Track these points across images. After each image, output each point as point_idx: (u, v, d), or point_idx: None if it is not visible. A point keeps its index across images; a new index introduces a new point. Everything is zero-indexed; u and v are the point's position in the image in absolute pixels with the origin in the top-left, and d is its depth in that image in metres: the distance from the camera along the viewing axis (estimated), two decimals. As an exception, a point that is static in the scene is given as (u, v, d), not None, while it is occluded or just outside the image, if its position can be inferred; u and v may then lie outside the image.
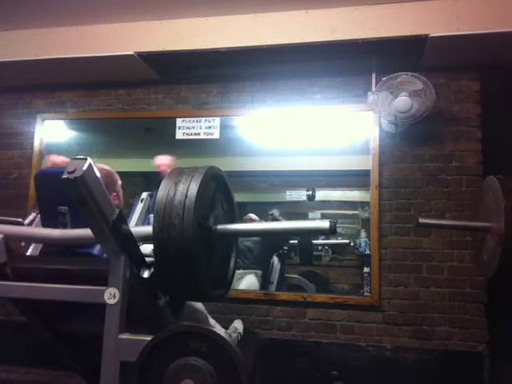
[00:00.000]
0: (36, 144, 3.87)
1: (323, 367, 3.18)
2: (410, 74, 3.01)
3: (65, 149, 4.08)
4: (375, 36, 2.93)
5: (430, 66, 3.17)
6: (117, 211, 1.69)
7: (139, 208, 2.49)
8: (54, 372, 3.33)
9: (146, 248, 1.86)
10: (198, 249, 1.57)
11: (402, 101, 3.00)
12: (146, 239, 1.87)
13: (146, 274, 1.84)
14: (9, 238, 1.96)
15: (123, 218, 1.73)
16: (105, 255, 1.86)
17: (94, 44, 3.31)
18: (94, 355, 1.77)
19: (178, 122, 3.61)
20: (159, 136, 4.11)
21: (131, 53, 3.25)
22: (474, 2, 2.85)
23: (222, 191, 1.98)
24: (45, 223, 2.12)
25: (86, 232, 1.73)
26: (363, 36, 2.94)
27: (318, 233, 2.57)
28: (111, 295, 1.74)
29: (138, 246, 1.87)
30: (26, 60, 3.42)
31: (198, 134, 3.58)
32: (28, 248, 2.21)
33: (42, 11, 3.20)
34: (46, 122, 3.92)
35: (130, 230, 1.80)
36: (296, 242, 4.18)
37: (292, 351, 3.24)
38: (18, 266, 1.92)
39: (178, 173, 1.73)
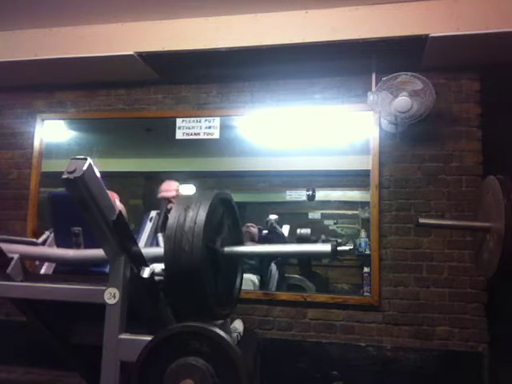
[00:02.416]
0: (36, 144, 3.87)
1: (323, 367, 3.18)
2: (409, 74, 3.01)
3: (65, 149, 4.09)
4: (375, 36, 2.93)
5: (430, 66, 3.17)
6: (117, 211, 1.69)
7: (148, 227, 2.56)
8: (53, 372, 3.33)
9: (157, 267, 1.92)
10: (206, 272, 1.66)
11: (402, 101, 3.00)
12: (156, 260, 1.95)
13: (146, 274, 1.84)
14: (25, 258, 2.04)
15: (123, 219, 1.73)
16: None
17: (94, 44, 3.31)
18: (94, 355, 1.78)
19: (178, 122, 3.61)
20: (159, 136, 4.12)
21: (131, 53, 3.24)
22: (474, 2, 2.85)
23: (228, 214, 2.05)
24: (59, 243, 2.21)
25: (99, 252, 1.78)
26: (363, 36, 2.94)
27: (320, 256, 2.64)
28: (111, 295, 1.74)
29: (138, 246, 1.88)
30: (26, 60, 3.41)
31: (198, 134, 3.58)
32: (42, 266, 2.29)
33: (41, 11, 3.20)
34: (46, 122, 3.92)
35: (130, 230, 1.80)
36: None
37: (292, 351, 3.24)
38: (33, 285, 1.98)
39: (187, 199, 1.83)
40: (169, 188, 2.77)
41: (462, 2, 2.86)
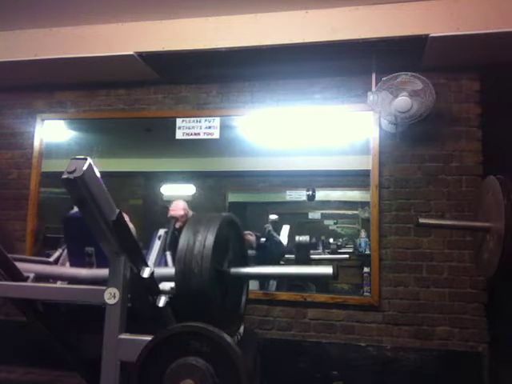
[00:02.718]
0: (36, 144, 3.87)
1: (323, 367, 3.18)
2: (409, 74, 3.01)
3: (65, 149, 4.09)
4: (375, 36, 2.93)
5: (430, 66, 3.17)
6: (117, 211, 1.69)
7: (157, 245, 2.62)
8: (53, 372, 3.33)
9: (165, 285, 2.00)
10: (214, 293, 1.75)
11: (402, 101, 3.00)
12: (166, 279, 2.03)
13: (146, 274, 1.84)
14: (39, 276, 2.13)
15: (123, 219, 1.73)
16: None
17: (94, 44, 3.31)
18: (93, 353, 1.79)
19: (178, 122, 3.61)
20: (159, 136, 4.12)
21: (131, 53, 3.24)
22: (474, 2, 2.85)
23: (234, 235, 2.14)
24: (72, 262, 2.34)
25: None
26: (363, 36, 2.94)
27: (322, 277, 2.72)
28: (111, 295, 1.74)
29: (139, 246, 1.88)
30: (26, 60, 3.41)
31: (198, 134, 3.58)
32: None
33: (41, 11, 3.20)
34: (46, 122, 3.92)
35: (130, 230, 1.81)
36: (293, 257, 4.16)
37: (292, 351, 3.24)
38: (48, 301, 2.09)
39: (196, 222, 1.92)
40: (177, 208, 2.87)
41: (462, 2, 2.86)
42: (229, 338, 1.63)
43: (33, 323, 2.21)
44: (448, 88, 3.27)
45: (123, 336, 1.75)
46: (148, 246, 2.62)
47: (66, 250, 2.47)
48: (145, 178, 4.84)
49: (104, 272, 1.93)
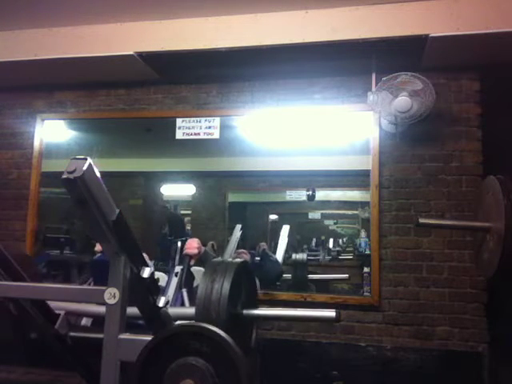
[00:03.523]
0: (36, 144, 3.87)
1: (323, 367, 3.18)
2: (409, 73, 3.01)
3: (65, 149, 4.09)
4: (375, 36, 2.93)
5: (430, 66, 3.17)
6: (117, 211, 1.69)
7: (174, 282, 2.79)
8: (53, 372, 3.33)
9: (182, 323, 2.11)
10: (228, 333, 1.82)
11: (402, 101, 3.00)
12: (185, 318, 2.19)
13: (146, 274, 1.84)
14: (68, 313, 2.24)
15: (123, 219, 1.73)
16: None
17: (94, 44, 3.31)
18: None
19: (178, 122, 3.61)
20: (159, 136, 4.12)
21: (131, 53, 3.24)
22: (474, 2, 2.85)
23: (246, 279, 2.30)
24: None
25: (133, 310, 1.92)
26: (363, 36, 2.94)
27: (325, 321, 2.87)
28: (111, 295, 1.74)
29: (139, 246, 1.88)
30: (26, 60, 3.41)
31: (198, 134, 3.58)
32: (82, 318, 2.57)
33: (41, 11, 3.20)
34: (46, 122, 3.92)
35: (130, 230, 1.81)
36: (290, 276, 4.08)
37: (292, 351, 3.24)
38: (77, 335, 2.21)
39: (212, 270, 2.13)
40: (191, 246, 2.98)
41: (462, 2, 2.86)
42: (229, 338, 1.63)
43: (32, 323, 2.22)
44: (448, 88, 3.27)
45: (123, 336, 1.75)
46: (166, 284, 2.79)
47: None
48: (145, 178, 4.84)
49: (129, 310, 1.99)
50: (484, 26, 2.79)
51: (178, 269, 2.85)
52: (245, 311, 2.20)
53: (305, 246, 4.51)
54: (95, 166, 1.60)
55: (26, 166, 3.88)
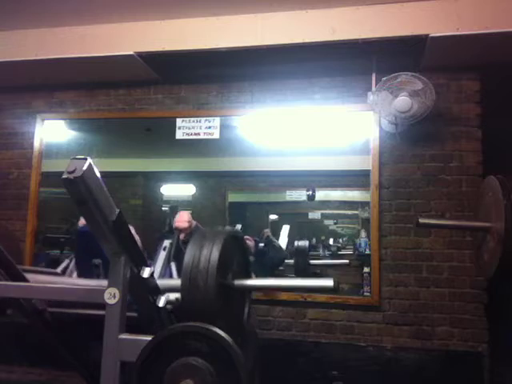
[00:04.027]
0: (36, 144, 3.87)
1: (323, 367, 3.18)
2: (409, 74, 3.01)
3: (65, 149, 4.09)
4: (375, 36, 2.93)
5: (430, 65, 3.17)
6: (117, 211, 1.69)
7: (162, 256, 2.66)
8: (53, 372, 3.33)
9: (170, 296, 2.05)
10: (218, 306, 1.80)
11: (402, 101, 3.00)
12: (172, 290, 2.08)
13: (146, 274, 1.84)
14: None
15: (123, 218, 1.73)
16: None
17: (94, 44, 3.31)
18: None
19: (178, 122, 3.61)
20: (159, 136, 4.12)
21: (131, 53, 3.24)
22: (474, 2, 2.85)
23: (238, 249, 2.17)
24: (80, 272, 2.49)
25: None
26: (363, 36, 2.94)
27: (323, 290, 2.73)
28: (111, 295, 1.74)
29: (138, 246, 1.88)
30: (26, 60, 3.41)
31: (198, 134, 3.58)
32: None
33: (42, 11, 3.20)
34: (46, 122, 3.92)
35: (130, 230, 1.81)
36: (292, 262, 4.12)
37: (292, 351, 3.24)
38: (55, 311, 2.17)
39: (201, 237, 1.95)
40: (181, 219, 2.95)
41: (462, 2, 2.86)
42: (229, 338, 1.63)
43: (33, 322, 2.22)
44: (448, 88, 3.27)
45: (123, 336, 1.75)
46: (152, 257, 2.67)
47: (73, 261, 2.59)
48: (145, 178, 4.84)
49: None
50: (484, 26, 2.79)
51: (166, 243, 2.71)
52: (236, 281, 2.02)
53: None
54: (95, 165, 1.60)
55: (26, 166, 3.88)
